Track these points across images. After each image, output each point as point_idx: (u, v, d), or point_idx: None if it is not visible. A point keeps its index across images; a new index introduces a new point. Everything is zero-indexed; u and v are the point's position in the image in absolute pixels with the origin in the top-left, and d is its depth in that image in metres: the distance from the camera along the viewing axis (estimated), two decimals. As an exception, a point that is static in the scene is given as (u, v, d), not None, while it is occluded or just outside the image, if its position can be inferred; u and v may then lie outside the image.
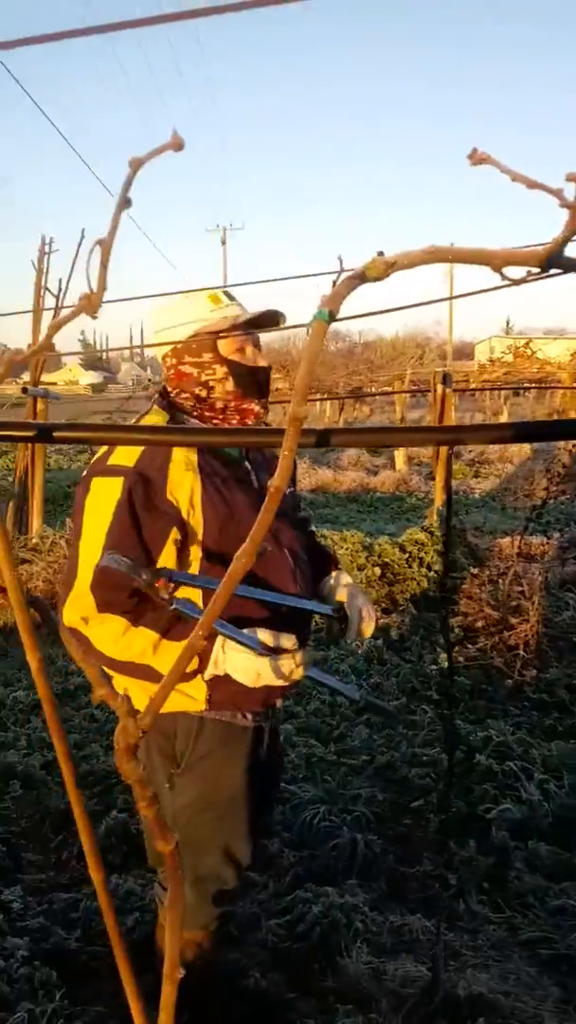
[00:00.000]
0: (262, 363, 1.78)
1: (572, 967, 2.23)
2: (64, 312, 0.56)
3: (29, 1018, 1.95)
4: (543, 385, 15.44)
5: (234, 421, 1.73)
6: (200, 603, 1.61)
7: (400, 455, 13.50)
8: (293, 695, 4.05)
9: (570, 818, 2.90)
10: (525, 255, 0.71)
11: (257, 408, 1.76)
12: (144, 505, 1.58)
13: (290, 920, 2.37)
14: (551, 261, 0.70)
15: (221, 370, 1.72)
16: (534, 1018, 2.04)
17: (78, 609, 1.60)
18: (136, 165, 0.50)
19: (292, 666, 1.60)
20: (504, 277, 0.72)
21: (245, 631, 1.58)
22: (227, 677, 1.63)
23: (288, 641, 1.61)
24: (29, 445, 6.96)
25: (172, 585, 1.53)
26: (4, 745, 3.55)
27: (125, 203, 0.53)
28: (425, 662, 4.57)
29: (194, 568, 1.67)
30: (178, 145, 0.49)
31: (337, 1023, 1.99)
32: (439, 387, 7.28)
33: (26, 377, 7.01)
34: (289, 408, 0.57)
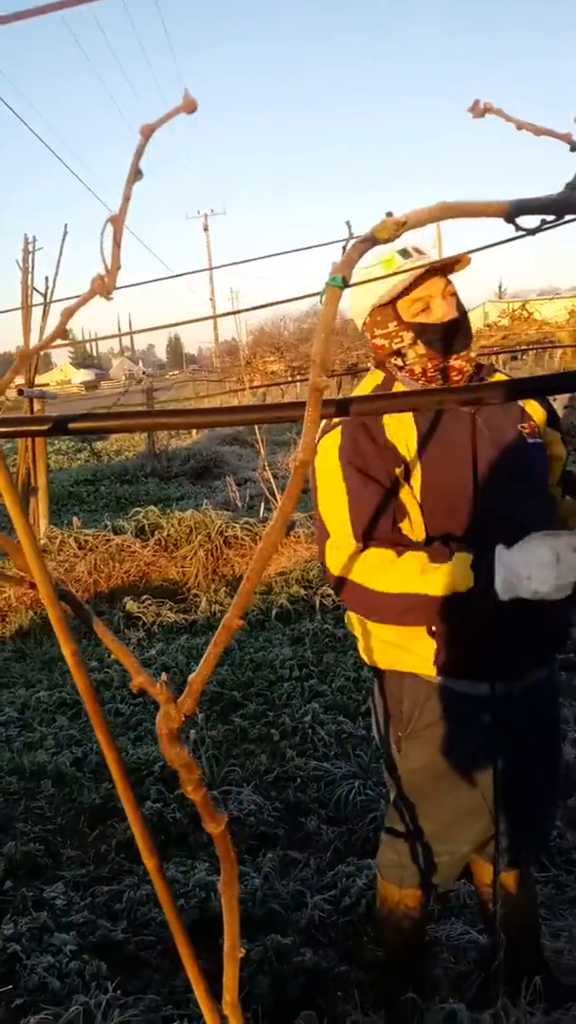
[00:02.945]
0: (451, 315, 1.65)
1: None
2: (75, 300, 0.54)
3: (84, 1012, 1.96)
4: (543, 345, 15.41)
5: (438, 383, 1.66)
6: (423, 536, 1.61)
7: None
8: (314, 672, 4.05)
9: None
10: (540, 202, 0.69)
11: (460, 363, 1.66)
12: (367, 445, 1.61)
13: (335, 895, 2.38)
14: (566, 206, 0.68)
15: (408, 336, 1.66)
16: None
17: (341, 549, 1.58)
18: (148, 132, 0.48)
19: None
20: (518, 228, 0.71)
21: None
22: (460, 632, 1.58)
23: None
24: (30, 446, 6.95)
25: None
26: (32, 745, 3.57)
27: (137, 174, 0.51)
28: None
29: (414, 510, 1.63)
30: (191, 107, 0.47)
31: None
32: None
33: (19, 380, 6.97)
34: (310, 378, 0.56)
